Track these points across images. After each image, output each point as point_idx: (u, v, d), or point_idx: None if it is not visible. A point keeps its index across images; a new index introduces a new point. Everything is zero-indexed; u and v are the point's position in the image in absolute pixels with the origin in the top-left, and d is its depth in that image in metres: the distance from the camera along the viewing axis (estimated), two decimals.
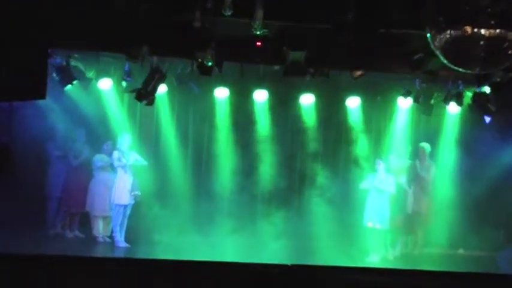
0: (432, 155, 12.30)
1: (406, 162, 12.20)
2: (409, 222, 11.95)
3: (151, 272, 4.06)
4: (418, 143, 12.38)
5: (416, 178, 12.02)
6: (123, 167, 11.43)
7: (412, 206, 11.93)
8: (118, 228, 11.43)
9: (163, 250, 10.90)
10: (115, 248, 11.30)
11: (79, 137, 11.83)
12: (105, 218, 11.70)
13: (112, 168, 11.62)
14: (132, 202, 11.54)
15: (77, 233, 11.89)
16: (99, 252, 11.20)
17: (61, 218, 11.86)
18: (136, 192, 11.51)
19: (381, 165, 11.49)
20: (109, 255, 10.91)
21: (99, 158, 11.71)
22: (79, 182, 11.77)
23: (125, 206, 11.46)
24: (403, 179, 11.89)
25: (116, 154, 11.46)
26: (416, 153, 12.28)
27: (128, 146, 11.57)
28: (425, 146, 12.17)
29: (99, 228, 11.67)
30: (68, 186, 11.76)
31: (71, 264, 4.23)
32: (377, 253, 11.32)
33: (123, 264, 4.42)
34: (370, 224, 11.35)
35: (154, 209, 11.95)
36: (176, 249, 10.98)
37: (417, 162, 12.09)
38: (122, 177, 11.44)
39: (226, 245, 11.53)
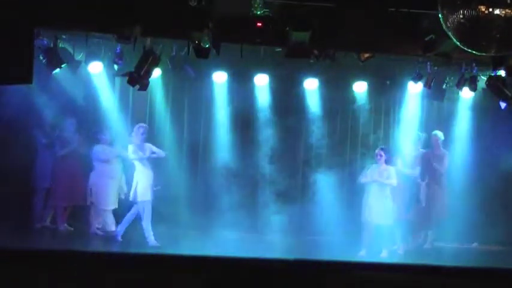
0: (445, 143, 12.26)
1: (417, 152, 12.14)
2: (422, 215, 11.92)
3: (145, 267, 4.05)
4: (429, 130, 12.35)
5: (429, 169, 11.97)
6: (140, 160, 11.20)
7: (425, 198, 11.89)
8: (125, 225, 11.27)
9: (158, 244, 10.95)
10: (113, 243, 11.18)
11: (68, 126, 11.74)
12: (110, 211, 11.60)
13: (117, 159, 11.49)
14: (152, 198, 11.26)
15: (65, 226, 11.83)
16: (100, 247, 11.12)
17: (49, 212, 11.81)
18: (158, 187, 11.30)
19: (382, 156, 11.24)
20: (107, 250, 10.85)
21: (101, 150, 11.52)
22: (66, 173, 11.68)
23: (145, 203, 11.17)
24: (416, 170, 11.83)
25: (130, 147, 11.21)
26: (428, 142, 12.23)
27: (144, 138, 11.32)
28: (439, 134, 12.11)
29: (108, 222, 11.54)
30: (56, 178, 11.68)
31: (58, 259, 4.22)
32: (386, 248, 11.30)
33: (116, 258, 4.41)
34: (368, 220, 11.16)
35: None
36: (171, 242, 11.03)
37: (429, 151, 12.04)
38: (140, 171, 11.21)
39: (225, 240, 11.55)
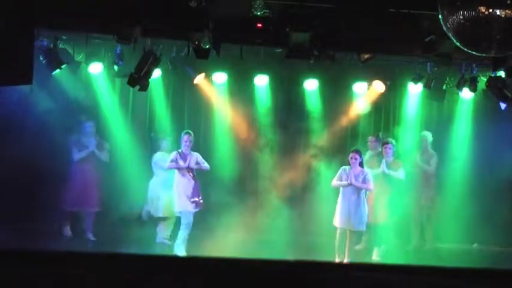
0: (446, 144, 12.23)
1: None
2: (409, 216, 11.77)
3: (145, 267, 4.04)
4: (429, 131, 12.33)
5: (418, 170, 11.91)
6: (180, 169, 10.71)
7: (413, 199, 11.73)
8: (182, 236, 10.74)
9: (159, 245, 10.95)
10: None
11: (86, 130, 11.48)
12: (165, 219, 11.49)
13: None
14: (194, 210, 10.75)
15: (68, 231, 11.61)
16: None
17: (60, 216, 11.59)
18: (198, 199, 10.72)
19: (357, 159, 10.60)
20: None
21: (161, 157, 11.34)
22: (81, 178, 11.43)
23: (183, 214, 10.72)
24: (401, 173, 11.53)
25: (173, 155, 10.73)
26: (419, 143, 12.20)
27: (187, 146, 10.77)
28: (427, 134, 12.09)
29: (161, 230, 11.45)
30: (70, 182, 11.45)
31: (59, 260, 4.20)
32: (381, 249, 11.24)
33: (116, 259, 4.40)
34: (343, 226, 10.56)
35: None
36: (172, 244, 11.02)
37: (418, 152, 11.99)
38: (178, 181, 10.74)
39: (225, 241, 11.53)
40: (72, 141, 11.50)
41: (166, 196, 11.29)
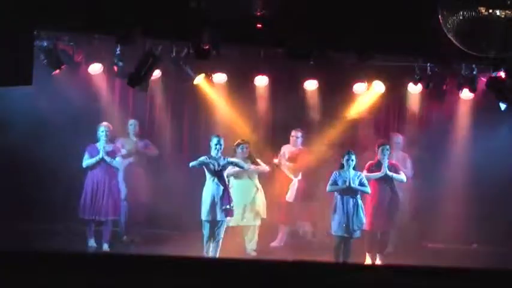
0: (446, 144, 12.22)
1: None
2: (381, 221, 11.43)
3: (146, 267, 4.05)
4: (429, 131, 12.34)
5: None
6: (212, 175, 10.28)
7: (387, 203, 11.33)
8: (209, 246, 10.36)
9: (161, 245, 10.94)
10: None
11: (98, 134, 11.01)
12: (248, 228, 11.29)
13: (248, 174, 11.01)
14: (223, 219, 10.32)
15: (92, 242, 11.16)
16: None
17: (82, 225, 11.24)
18: (228, 206, 10.27)
19: (353, 161, 10.10)
20: None
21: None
22: (92, 185, 11.01)
23: (214, 222, 10.27)
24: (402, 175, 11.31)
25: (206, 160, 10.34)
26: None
27: (217, 150, 10.34)
28: (397, 136, 12.09)
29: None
30: (83, 189, 11.07)
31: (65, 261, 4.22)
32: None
33: (118, 259, 4.41)
34: (342, 234, 10.11)
35: (148, 203, 11.95)
36: (171, 244, 11.02)
37: (392, 154, 11.84)
38: (210, 187, 10.33)
39: (225, 241, 11.54)
40: (86, 146, 11.12)
41: (245, 203, 11.17)
